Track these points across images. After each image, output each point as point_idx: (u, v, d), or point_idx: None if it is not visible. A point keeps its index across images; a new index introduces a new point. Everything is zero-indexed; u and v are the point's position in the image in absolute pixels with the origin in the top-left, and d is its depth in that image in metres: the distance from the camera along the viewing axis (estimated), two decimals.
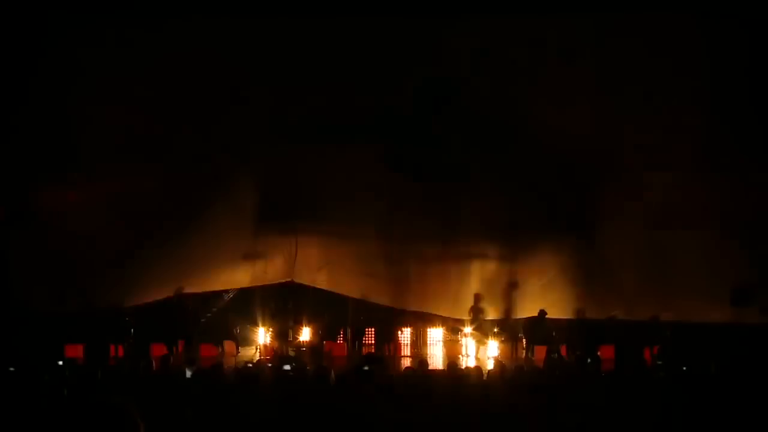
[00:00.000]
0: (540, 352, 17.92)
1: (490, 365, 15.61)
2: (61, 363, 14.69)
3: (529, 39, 17.82)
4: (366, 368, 11.70)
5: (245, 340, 19.41)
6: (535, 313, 18.36)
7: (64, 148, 17.57)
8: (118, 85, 17.57)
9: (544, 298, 18.54)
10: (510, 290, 18.77)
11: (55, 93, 17.61)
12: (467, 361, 17.85)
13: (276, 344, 18.97)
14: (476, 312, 18.71)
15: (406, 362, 17.30)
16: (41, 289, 17.30)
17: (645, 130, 17.85)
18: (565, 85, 17.71)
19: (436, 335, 20.04)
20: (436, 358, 18.87)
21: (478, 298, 18.73)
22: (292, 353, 17.86)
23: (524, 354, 18.67)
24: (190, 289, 18.49)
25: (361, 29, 17.74)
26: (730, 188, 17.47)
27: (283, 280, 19.34)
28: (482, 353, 18.62)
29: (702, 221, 17.50)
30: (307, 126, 18.01)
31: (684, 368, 14.41)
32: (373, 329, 19.38)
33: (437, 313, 19.40)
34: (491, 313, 18.73)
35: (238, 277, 19.01)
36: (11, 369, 12.80)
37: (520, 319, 18.79)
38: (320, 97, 17.95)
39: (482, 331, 18.74)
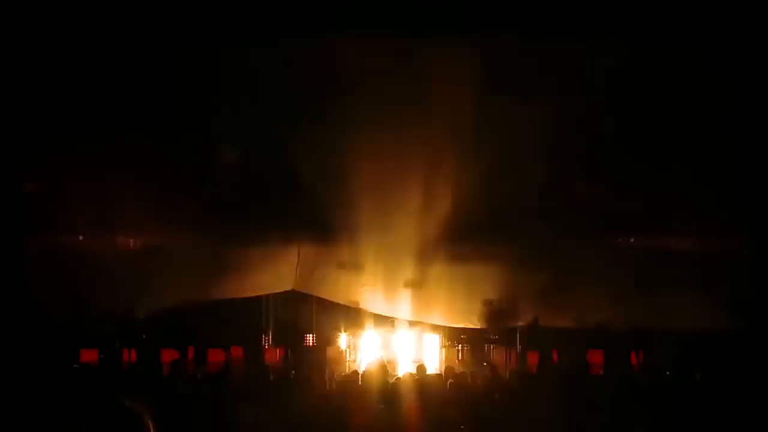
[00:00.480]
0: (532, 358, 18.45)
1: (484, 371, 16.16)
2: (76, 366, 15.41)
3: None
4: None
5: (251, 346, 19.94)
6: (529, 321, 18.94)
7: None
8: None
9: (537, 305, 19.04)
10: (503, 298, 19.29)
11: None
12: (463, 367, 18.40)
13: (280, 350, 19.62)
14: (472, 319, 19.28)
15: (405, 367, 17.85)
16: (59, 298, 17.93)
17: None
18: None
19: (434, 341, 20.45)
20: (435, 363, 19.35)
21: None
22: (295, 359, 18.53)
23: (518, 360, 19.19)
24: (199, 297, 19.06)
25: None
26: None
27: (286, 289, 19.96)
28: (477, 359, 19.17)
29: None
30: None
31: (667, 373, 15.02)
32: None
33: (436, 323, 19.90)
34: (484, 321, 19.27)
35: (243, 286, 19.63)
36: (31, 370, 13.48)
37: (514, 326, 19.33)
38: None
39: (476, 337, 19.37)
